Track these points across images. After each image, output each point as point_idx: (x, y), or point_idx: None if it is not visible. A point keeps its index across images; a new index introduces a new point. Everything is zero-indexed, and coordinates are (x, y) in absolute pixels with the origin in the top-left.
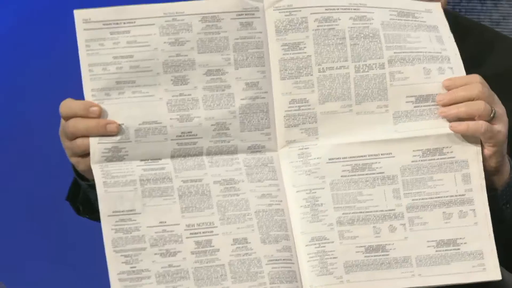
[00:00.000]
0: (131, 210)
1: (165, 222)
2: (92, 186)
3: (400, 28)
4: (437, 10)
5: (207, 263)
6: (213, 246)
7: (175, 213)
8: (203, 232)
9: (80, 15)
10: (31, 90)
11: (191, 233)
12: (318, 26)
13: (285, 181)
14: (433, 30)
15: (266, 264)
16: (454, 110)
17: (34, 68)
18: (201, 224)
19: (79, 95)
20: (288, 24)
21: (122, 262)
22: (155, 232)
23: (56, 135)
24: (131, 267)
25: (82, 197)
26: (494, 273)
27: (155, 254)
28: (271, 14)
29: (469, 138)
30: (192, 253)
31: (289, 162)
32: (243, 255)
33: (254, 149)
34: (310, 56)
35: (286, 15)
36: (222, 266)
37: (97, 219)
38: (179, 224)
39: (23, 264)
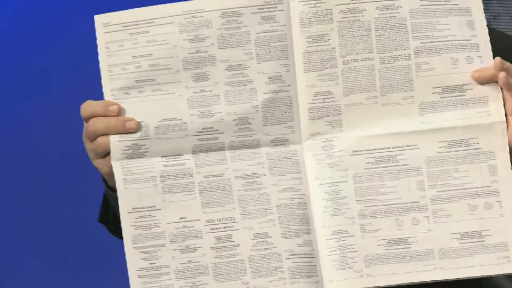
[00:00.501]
0: (151, 207)
1: (186, 218)
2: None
3: (430, 14)
4: None
5: (227, 258)
6: (233, 241)
7: (195, 209)
8: (223, 227)
9: (100, 19)
10: (51, 93)
11: (211, 229)
12: (343, 18)
13: (309, 174)
14: (465, 13)
15: (287, 259)
16: (511, 81)
17: (54, 72)
18: (221, 219)
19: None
20: (312, 16)
21: (141, 259)
22: (175, 228)
23: (80, 141)
24: (150, 263)
25: (113, 216)
26: None
27: (175, 250)
28: (295, 6)
29: (496, 129)
30: (212, 248)
31: (313, 154)
32: (263, 250)
33: (278, 142)
34: (335, 48)
35: (311, 7)
36: (242, 261)
37: None
38: (199, 220)
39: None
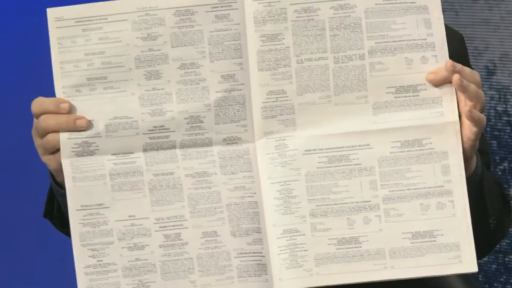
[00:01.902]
0: (99, 204)
1: (134, 216)
2: (66, 195)
3: (386, 14)
4: None
5: (175, 256)
6: (182, 240)
7: (144, 207)
8: (172, 226)
9: (52, 13)
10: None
11: (160, 227)
12: (297, 17)
13: (261, 172)
14: (423, 11)
15: (235, 257)
16: (465, 83)
17: (4, 67)
18: (170, 218)
19: (52, 94)
20: (266, 15)
21: (89, 256)
22: (124, 226)
23: (28, 136)
24: (98, 261)
25: (57, 211)
26: (470, 265)
27: (123, 248)
28: (250, 5)
29: (450, 129)
30: (160, 246)
31: (266, 153)
32: (212, 248)
33: (230, 141)
34: (289, 47)
35: (265, 6)
36: (190, 259)
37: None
38: (148, 218)
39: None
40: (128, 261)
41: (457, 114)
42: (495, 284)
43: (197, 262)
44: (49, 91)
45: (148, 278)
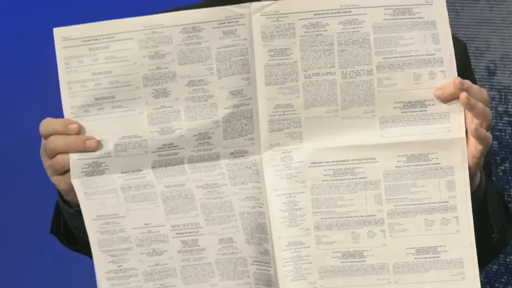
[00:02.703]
0: (114, 214)
1: (150, 224)
2: (74, 214)
3: (394, 29)
4: (439, 0)
5: (194, 261)
6: (199, 246)
7: (159, 216)
8: (189, 232)
9: (59, 32)
10: (9, 110)
11: (177, 233)
12: (305, 32)
13: (267, 184)
14: (430, 27)
15: (251, 264)
16: (473, 101)
17: (13, 86)
18: (186, 225)
19: (59, 114)
20: (274, 30)
21: (109, 262)
22: (141, 233)
23: (36, 156)
24: (118, 266)
25: (64, 227)
26: (473, 282)
27: (142, 253)
28: (257, 19)
29: (456, 145)
30: (179, 252)
31: (272, 165)
32: (230, 254)
33: (237, 154)
34: (297, 62)
35: (273, 21)
36: (209, 264)
37: (80, 250)
38: (164, 225)
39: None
40: (149, 266)
41: (464, 130)
42: (496, 285)
43: (216, 267)
44: (56, 111)
45: (169, 282)
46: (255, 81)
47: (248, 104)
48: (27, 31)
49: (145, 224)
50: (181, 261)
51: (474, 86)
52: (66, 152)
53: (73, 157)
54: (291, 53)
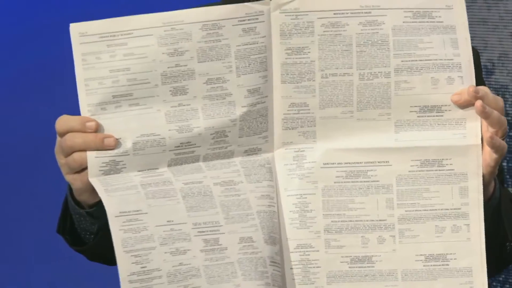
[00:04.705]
0: (137, 211)
1: (173, 221)
2: (84, 215)
3: (413, 32)
4: (459, 5)
5: (216, 261)
6: (221, 244)
7: (181, 213)
8: (210, 231)
9: (76, 28)
10: (26, 107)
11: (198, 231)
12: (324, 31)
13: (279, 183)
14: (450, 31)
15: (269, 265)
16: (488, 109)
17: (28, 84)
18: (207, 223)
19: (76, 112)
20: (293, 28)
21: (132, 263)
22: (164, 231)
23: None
24: (142, 267)
25: (70, 227)
26: None
27: (165, 252)
28: (277, 16)
29: (471, 152)
30: (202, 251)
31: (284, 164)
32: (250, 254)
33: (251, 152)
34: (314, 61)
35: (292, 19)
36: (231, 263)
37: (84, 252)
38: (186, 223)
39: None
40: (172, 266)
41: (480, 137)
42: (494, 284)
43: (238, 266)
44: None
45: (193, 283)
46: (272, 79)
47: (264, 102)
48: (42, 28)
49: (167, 222)
50: (205, 260)
51: (490, 94)
52: (84, 150)
53: (90, 155)
54: (309, 52)
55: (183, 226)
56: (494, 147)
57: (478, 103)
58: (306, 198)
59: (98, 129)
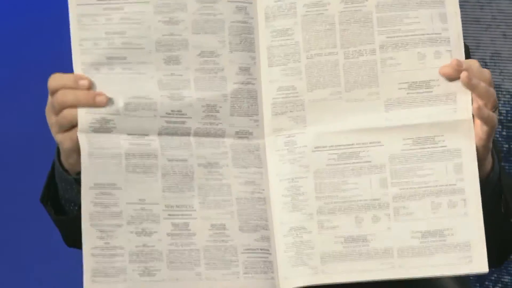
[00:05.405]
0: (112, 184)
1: (145, 200)
2: (72, 182)
3: (398, 7)
4: None
5: (182, 246)
6: (190, 230)
7: (155, 192)
8: (181, 215)
9: None
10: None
11: (169, 214)
12: (307, 11)
13: (270, 169)
14: (438, 5)
15: (242, 253)
16: (474, 81)
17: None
18: (180, 206)
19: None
20: (277, 10)
21: (97, 237)
22: (133, 210)
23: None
24: (105, 243)
25: (53, 195)
26: (480, 265)
27: (131, 232)
28: (262, 1)
29: (463, 127)
30: (168, 234)
31: (275, 150)
32: (220, 242)
33: (242, 134)
34: (298, 42)
35: (276, 1)
36: (197, 251)
37: (64, 224)
38: (158, 204)
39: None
40: (136, 246)
41: (471, 111)
42: (486, 283)
43: (203, 255)
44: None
45: (154, 266)
46: (259, 62)
47: (254, 84)
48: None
49: (139, 200)
50: (169, 244)
51: (474, 66)
52: (75, 106)
53: (81, 112)
54: (293, 33)
55: (154, 207)
56: (483, 118)
57: (464, 74)
58: (298, 182)
59: (90, 87)
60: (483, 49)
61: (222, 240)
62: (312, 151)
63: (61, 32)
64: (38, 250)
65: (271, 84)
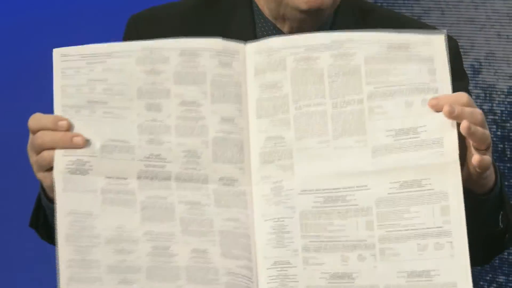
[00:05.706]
0: (88, 214)
1: (123, 227)
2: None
3: (387, 61)
4: (439, 42)
5: (163, 263)
6: (171, 251)
7: (134, 221)
8: (162, 239)
9: (58, 52)
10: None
11: (148, 239)
12: (296, 65)
13: (255, 212)
14: (427, 62)
15: (223, 275)
16: (458, 109)
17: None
18: (161, 233)
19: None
20: (266, 65)
21: (73, 250)
22: (111, 233)
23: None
24: (81, 257)
25: (43, 222)
26: None
27: (108, 251)
28: (251, 57)
29: (450, 169)
30: (148, 255)
31: (262, 195)
32: (201, 263)
33: (227, 180)
34: (287, 94)
35: (265, 57)
36: (177, 267)
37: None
38: (137, 230)
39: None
40: (114, 261)
41: (457, 153)
42: (481, 283)
43: (185, 271)
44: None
45: (132, 276)
46: (247, 114)
47: (240, 134)
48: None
49: (117, 227)
50: (149, 262)
51: (466, 109)
52: (53, 148)
53: (58, 153)
54: (282, 86)
55: (134, 232)
56: (482, 168)
57: (464, 123)
58: (283, 221)
59: (69, 128)
60: (477, 49)
61: (204, 262)
62: (299, 193)
63: (61, 32)
64: (38, 250)
65: (259, 134)
